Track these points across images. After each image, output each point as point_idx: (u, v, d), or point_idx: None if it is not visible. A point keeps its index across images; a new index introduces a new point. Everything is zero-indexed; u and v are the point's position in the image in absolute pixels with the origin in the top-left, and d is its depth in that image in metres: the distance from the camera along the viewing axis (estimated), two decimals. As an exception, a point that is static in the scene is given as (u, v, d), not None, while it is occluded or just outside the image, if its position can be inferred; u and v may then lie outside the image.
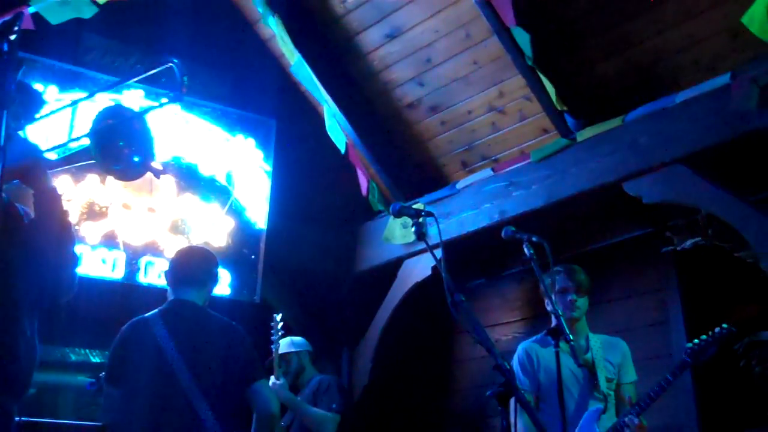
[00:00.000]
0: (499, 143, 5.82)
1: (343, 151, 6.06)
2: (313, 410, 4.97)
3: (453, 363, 6.61)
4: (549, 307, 3.93)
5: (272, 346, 5.11)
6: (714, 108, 4.38)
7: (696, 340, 3.91)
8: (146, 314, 3.65)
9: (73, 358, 5.68)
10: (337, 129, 6.07)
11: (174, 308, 3.70)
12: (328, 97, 6.07)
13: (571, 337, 3.29)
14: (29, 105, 2.81)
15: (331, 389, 5.11)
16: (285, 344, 5.27)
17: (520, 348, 4.26)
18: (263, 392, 3.61)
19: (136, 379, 3.50)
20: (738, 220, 4.28)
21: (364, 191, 6.19)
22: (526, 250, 3.35)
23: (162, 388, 3.43)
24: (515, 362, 4.22)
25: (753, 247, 4.31)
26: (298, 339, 5.44)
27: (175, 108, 5.96)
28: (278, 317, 5.20)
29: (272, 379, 4.94)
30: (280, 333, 5.15)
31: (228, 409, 3.50)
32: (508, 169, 5.49)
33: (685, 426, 4.92)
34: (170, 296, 3.80)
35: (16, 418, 2.56)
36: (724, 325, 3.89)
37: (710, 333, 3.89)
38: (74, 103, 5.33)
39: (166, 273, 3.87)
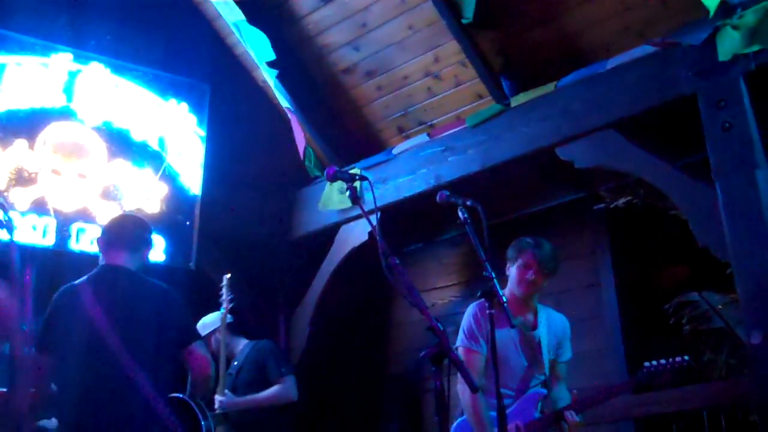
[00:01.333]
0: (435, 108, 5.84)
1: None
2: (268, 392, 4.89)
3: (390, 327, 6.68)
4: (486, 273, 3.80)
5: (221, 309, 5.05)
6: (644, 74, 4.46)
7: (654, 362, 3.88)
8: (75, 281, 3.60)
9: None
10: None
11: (103, 274, 3.67)
12: (261, 62, 6.00)
13: (505, 299, 3.30)
14: None
15: (273, 356, 5.09)
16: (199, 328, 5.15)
17: (471, 306, 4.11)
18: (198, 353, 3.60)
19: (66, 346, 3.48)
20: (667, 185, 4.38)
21: (301, 154, 6.16)
22: (460, 214, 3.35)
23: (92, 353, 3.41)
24: (469, 319, 4.05)
25: (680, 211, 4.42)
26: (206, 319, 5.33)
27: (105, 71, 5.82)
28: (226, 278, 5.13)
29: (217, 399, 4.77)
30: (229, 296, 5.08)
31: (162, 371, 3.49)
32: (443, 135, 5.51)
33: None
34: (101, 262, 3.75)
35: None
36: (686, 357, 3.84)
37: (669, 360, 3.85)
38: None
39: (98, 239, 3.82)
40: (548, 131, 4.85)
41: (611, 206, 5.14)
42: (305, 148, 6.18)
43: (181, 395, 3.72)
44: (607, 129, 4.58)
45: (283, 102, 6.08)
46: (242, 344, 5.23)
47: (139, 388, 3.35)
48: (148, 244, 3.88)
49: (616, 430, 5.07)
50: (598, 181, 5.30)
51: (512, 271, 4.08)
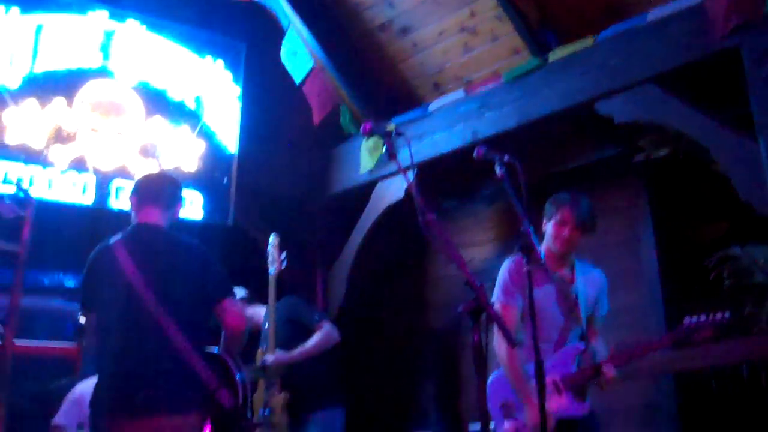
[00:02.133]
0: (471, 64, 5.78)
1: (298, 82, 6.01)
2: (313, 340, 4.88)
3: (427, 283, 6.69)
4: (523, 228, 3.76)
5: (269, 271, 4.96)
6: (685, 27, 4.37)
7: (695, 318, 3.80)
8: (110, 240, 3.65)
9: (47, 282, 5.67)
10: (294, 57, 5.99)
11: (137, 232, 3.70)
12: (297, 19, 5.98)
13: (543, 255, 3.29)
14: None
15: (303, 307, 5.11)
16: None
17: (507, 261, 4.06)
18: (232, 309, 3.63)
19: (105, 305, 3.54)
20: (707, 139, 4.31)
21: (316, 120, 6.13)
22: (498, 169, 3.31)
23: (129, 311, 3.45)
24: (504, 274, 4.02)
25: (721, 165, 4.35)
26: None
27: (141, 29, 5.83)
28: (273, 239, 5.02)
29: (268, 358, 4.80)
30: (281, 257, 4.98)
31: (198, 327, 3.54)
32: (480, 90, 5.47)
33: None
34: (134, 220, 3.79)
35: None
36: (727, 314, 3.74)
37: (710, 316, 3.77)
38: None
39: (131, 197, 3.86)
40: (587, 86, 4.78)
41: (651, 158, 5.05)
42: (327, 112, 6.15)
43: (216, 349, 3.77)
44: (646, 83, 4.51)
45: (297, 70, 6.04)
46: (263, 308, 5.19)
47: (175, 344, 3.40)
48: (179, 200, 3.89)
49: (656, 385, 5.06)
50: (637, 136, 5.23)
51: (548, 226, 4.04)
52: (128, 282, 3.48)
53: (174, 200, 3.85)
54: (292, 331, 4.99)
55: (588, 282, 4.06)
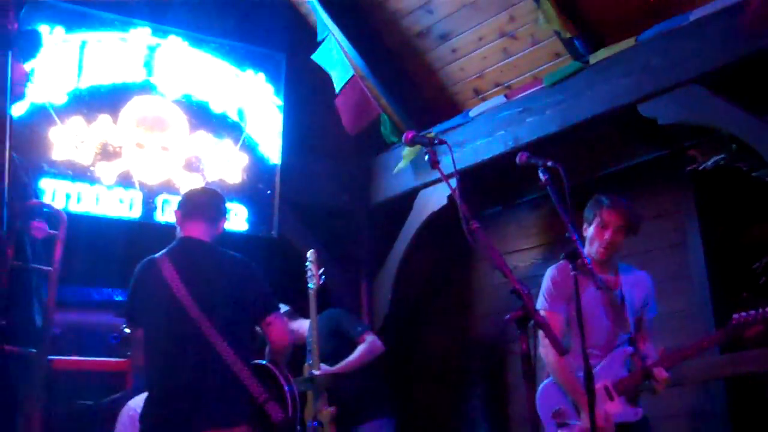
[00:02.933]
0: (512, 69, 5.75)
1: (338, 90, 6.03)
2: (357, 353, 4.92)
3: (472, 291, 6.66)
4: (568, 234, 3.73)
5: (308, 286, 4.96)
6: (728, 26, 4.29)
7: (743, 313, 3.79)
8: (155, 254, 3.69)
9: (96, 297, 5.74)
10: (333, 66, 6.02)
11: (181, 246, 3.75)
12: (335, 29, 6.00)
13: (588, 260, 3.26)
14: (28, 46, 2.78)
15: (345, 319, 5.14)
16: None
17: (550, 269, 4.10)
18: (278, 324, 3.66)
19: (152, 319, 3.58)
20: (755, 138, 4.24)
21: (350, 130, 6.12)
22: (541, 175, 3.30)
23: (176, 324, 3.49)
24: (547, 282, 4.06)
25: (769, 166, 4.27)
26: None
27: (183, 44, 5.91)
28: (312, 253, 5.05)
29: (314, 371, 4.80)
30: (319, 272, 4.99)
31: (244, 340, 3.57)
32: (521, 95, 5.43)
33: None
34: (178, 234, 3.83)
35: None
36: None
37: (759, 310, 3.76)
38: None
39: (175, 212, 3.90)
40: (629, 88, 4.73)
41: (700, 168, 4.97)
42: (379, 115, 6.17)
43: (264, 362, 3.78)
44: (691, 84, 4.44)
45: (338, 78, 6.07)
46: (308, 322, 5.13)
47: (223, 358, 3.41)
48: (223, 214, 3.93)
49: (706, 391, 4.97)
50: (682, 138, 5.15)
51: (590, 231, 4.01)
52: (174, 296, 3.51)
53: (218, 214, 3.88)
54: (336, 344, 4.99)
55: (634, 285, 4.03)
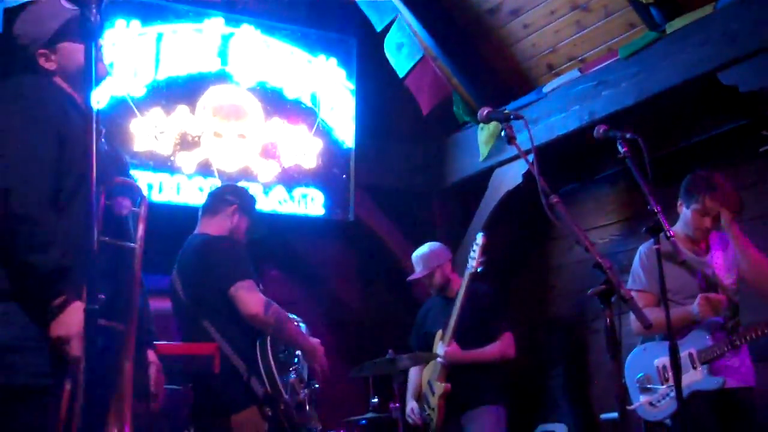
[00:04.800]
0: (585, 42, 5.65)
1: (402, 74, 6.02)
2: (491, 349, 4.81)
3: (550, 269, 6.60)
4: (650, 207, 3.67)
5: (467, 267, 4.74)
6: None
7: None
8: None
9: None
10: (399, 49, 6.02)
11: (186, 243, 3.95)
12: (405, 9, 5.99)
13: (670, 233, 3.21)
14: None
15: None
16: (416, 261, 5.09)
17: (641, 247, 4.15)
18: (239, 296, 3.60)
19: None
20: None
21: (425, 110, 6.12)
22: (620, 147, 3.25)
23: (177, 308, 3.84)
24: (636, 259, 4.14)
25: None
26: (424, 251, 5.13)
27: (255, 32, 5.98)
28: (480, 238, 4.78)
29: (441, 348, 4.72)
30: (481, 258, 4.73)
31: (223, 316, 3.65)
32: (596, 68, 5.35)
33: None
34: None
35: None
36: None
37: None
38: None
39: None
40: (708, 56, 4.60)
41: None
42: (451, 94, 6.15)
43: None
44: (772, 48, 4.31)
45: (402, 63, 6.08)
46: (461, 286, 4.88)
47: (210, 335, 3.62)
48: (224, 202, 3.98)
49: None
50: (764, 106, 5.00)
51: (686, 213, 4.04)
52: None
53: (215, 203, 4.02)
54: (476, 326, 4.83)
55: (726, 250, 4.04)
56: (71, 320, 2.28)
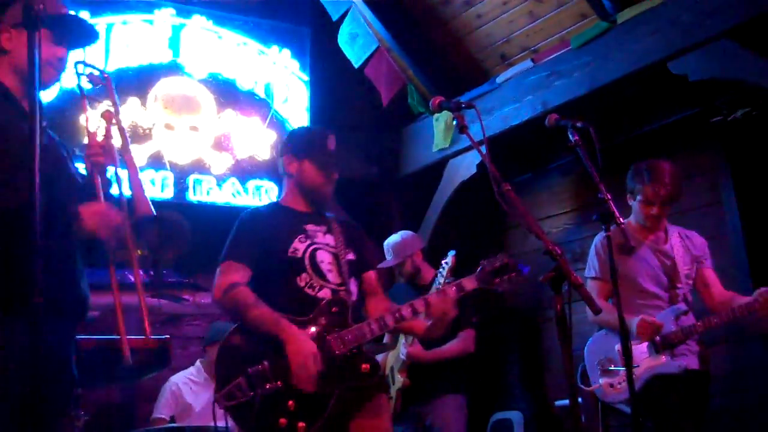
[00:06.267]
0: (538, 33, 5.68)
1: (357, 65, 6.00)
2: (452, 346, 4.76)
3: (505, 258, 6.62)
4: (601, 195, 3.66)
5: (434, 284, 4.44)
6: (757, -23, 4.21)
7: None
8: None
9: (131, 279, 5.80)
10: (354, 40, 5.99)
11: None
12: (359, 2, 5.96)
13: (622, 220, 3.24)
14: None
15: (465, 305, 4.67)
16: (387, 249, 5.04)
17: (597, 237, 4.26)
18: None
19: None
20: (789, 92, 4.16)
21: (384, 102, 6.11)
22: (570, 136, 3.25)
23: None
24: (591, 249, 4.26)
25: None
26: (396, 239, 5.10)
27: (207, 23, 5.91)
28: (450, 257, 4.42)
29: (404, 348, 4.66)
30: (448, 280, 4.33)
31: None
32: (548, 59, 5.39)
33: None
34: None
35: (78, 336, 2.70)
36: None
37: None
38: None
39: None
40: (658, 45, 4.66)
41: (729, 119, 4.91)
42: (394, 92, 6.13)
43: None
44: (721, 38, 4.37)
45: (356, 54, 6.05)
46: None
47: None
48: (280, 156, 3.67)
49: (745, 350, 4.93)
50: (714, 94, 5.07)
51: (634, 205, 4.16)
52: None
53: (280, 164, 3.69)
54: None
55: (684, 242, 4.18)
56: None
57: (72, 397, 2.69)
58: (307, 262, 3.26)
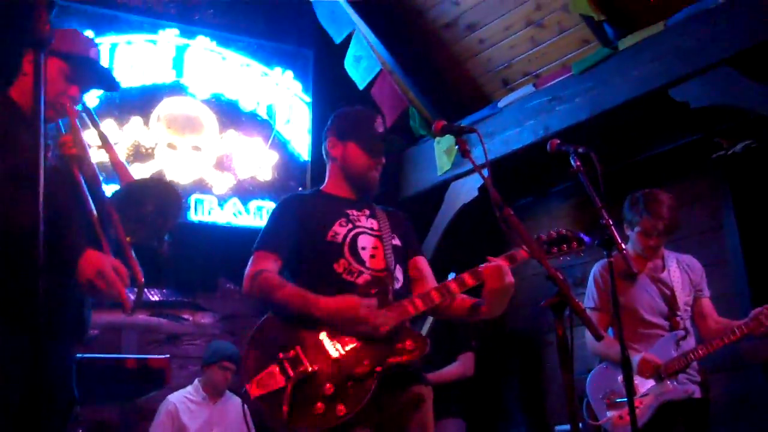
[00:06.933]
0: (540, 58, 5.71)
1: (361, 87, 6.02)
2: (451, 370, 4.81)
3: (505, 282, 6.60)
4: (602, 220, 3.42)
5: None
6: (758, 5, 4.24)
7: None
8: None
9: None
10: (358, 62, 6.01)
11: None
12: (362, 23, 6.00)
13: (624, 246, 3.24)
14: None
15: (457, 327, 4.94)
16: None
17: (595, 266, 4.26)
18: None
19: None
20: (789, 120, 4.18)
21: (388, 124, 6.12)
22: (572, 161, 3.27)
23: None
24: (590, 279, 4.25)
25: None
26: None
27: (211, 44, 5.95)
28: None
29: None
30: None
31: None
32: (550, 84, 5.40)
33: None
34: None
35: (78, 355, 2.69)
36: None
37: None
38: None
39: None
40: (660, 72, 4.67)
41: (729, 153, 4.93)
42: (397, 115, 6.14)
43: None
44: (722, 66, 4.38)
45: (361, 76, 6.07)
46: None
47: None
48: (322, 140, 3.56)
49: (745, 377, 4.92)
50: (715, 121, 5.09)
51: (632, 235, 4.18)
52: None
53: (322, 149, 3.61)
54: (437, 351, 4.74)
55: (682, 269, 4.17)
56: None
57: (71, 415, 2.68)
58: (346, 247, 3.05)
